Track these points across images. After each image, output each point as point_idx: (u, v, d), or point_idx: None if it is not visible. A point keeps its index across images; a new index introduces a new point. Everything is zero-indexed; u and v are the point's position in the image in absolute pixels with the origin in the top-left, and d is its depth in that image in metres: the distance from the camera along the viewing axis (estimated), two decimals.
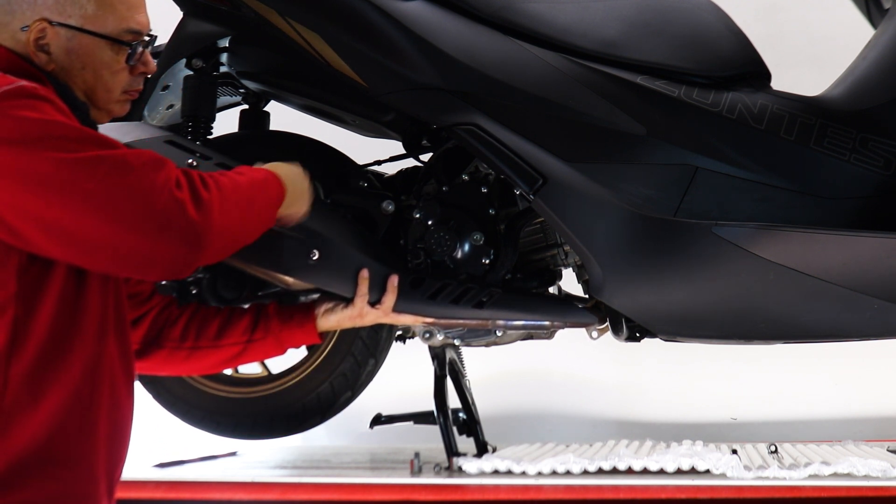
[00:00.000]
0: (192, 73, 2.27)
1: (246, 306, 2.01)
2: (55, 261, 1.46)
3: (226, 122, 2.40)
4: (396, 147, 2.38)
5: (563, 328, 2.21)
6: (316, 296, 2.13)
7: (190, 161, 2.02)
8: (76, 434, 1.48)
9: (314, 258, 2.03)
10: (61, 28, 1.53)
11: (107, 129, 1.76)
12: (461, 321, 2.13)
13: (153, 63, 1.66)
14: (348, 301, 2.02)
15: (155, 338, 1.88)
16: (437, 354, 2.49)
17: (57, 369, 1.46)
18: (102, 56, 1.57)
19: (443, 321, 2.13)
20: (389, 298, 2.04)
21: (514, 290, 2.18)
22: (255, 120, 2.45)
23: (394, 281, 2.04)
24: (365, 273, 2.03)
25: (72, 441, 1.47)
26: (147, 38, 1.63)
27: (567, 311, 2.16)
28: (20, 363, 1.42)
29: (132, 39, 1.60)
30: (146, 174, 1.43)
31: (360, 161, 2.33)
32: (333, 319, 2.01)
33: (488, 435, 2.59)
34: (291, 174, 1.81)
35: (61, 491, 1.45)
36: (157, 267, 1.47)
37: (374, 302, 2.04)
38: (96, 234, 1.41)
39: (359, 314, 2.03)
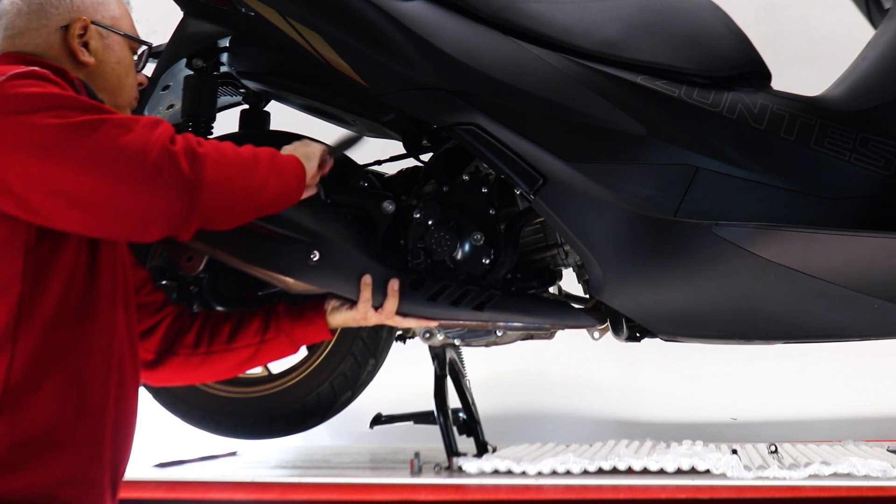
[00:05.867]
0: (192, 72, 2.27)
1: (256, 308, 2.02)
2: (64, 242, 1.50)
3: (226, 122, 2.41)
4: (396, 147, 2.38)
5: (562, 329, 2.21)
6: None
7: None
8: (83, 418, 1.50)
9: (314, 259, 2.03)
10: (98, 27, 1.67)
11: None
12: (461, 323, 2.14)
13: (145, 77, 1.82)
14: (353, 303, 2.03)
15: (169, 346, 1.90)
16: (437, 354, 2.49)
17: (65, 351, 1.48)
18: (128, 55, 1.73)
19: (444, 323, 2.13)
20: (391, 303, 2.04)
21: (513, 292, 2.18)
22: (255, 120, 2.45)
23: (394, 285, 2.05)
24: (368, 279, 2.03)
25: (78, 425, 1.49)
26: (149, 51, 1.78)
27: (566, 313, 2.17)
28: (27, 341, 1.45)
29: (146, 44, 1.76)
30: (142, 132, 1.49)
31: (360, 161, 2.33)
32: (339, 318, 2.03)
33: (488, 435, 2.59)
34: (301, 148, 1.88)
35: (67, 476, 1.47)
36: (156, 222, 1.50)
37: (377, 306, 2.04)
38: (95, 192, 1.45)
39: (362, 317, 2.04)
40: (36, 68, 1.51)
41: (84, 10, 1.66)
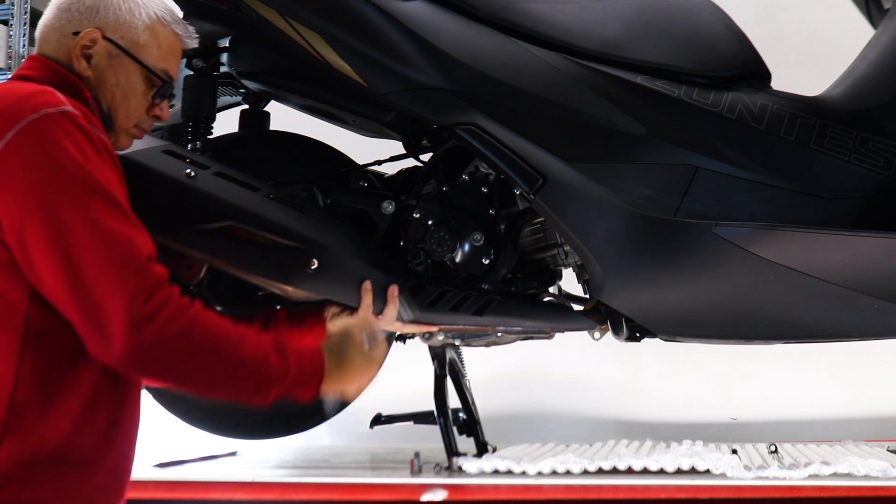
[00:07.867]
0: (192, 72, 2.27)
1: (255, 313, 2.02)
2: None
3: (226, 122, 2.40)
4: (396, 147, 2.38)
5: (562, 332, 2.21)
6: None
7: (187, 171, 2.02)
8: (91, 434, 1.49)
9: (313, 267, 2.02)
10: (110, 44, 1.62)
11: None
12: (461, 328, 2.14)
13: (168, 113, 1.73)
14: (353, 310, 2.03)
15: None
16: (437, 354, 2.49)
17: (70, 370, 1.47)
18: (136, 83, 1.66)
19: (444, 327, 2.14)
20: (391, 309, 2.04)
21: (513, 296, 2.18)
22: (255, 120, 2.45)
23: (394, 291, 2.04)
24: (368, 285, 2.02)
25: (84, 442, 1.48)
26: (168, 87, 1.70)
27: (566, 316, 2.17)
28: (33, 361, 1.44)
29: (164, 80, 1.68)
30: (124, 277, 1.42)
31: (360, 161, 2.33)
32: (339, 325, 2.02)
33: (488, 435, 2.59)
34: (354, 363, 1.76)
35: (72, 492, 1.46)
36: (89, 347, 1.45)
37: (377, 312, 2.04)
38: (52, 289, 1.42)
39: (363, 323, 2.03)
40: (70, 110, 1.47)
41: (102, 24, 1.62)
